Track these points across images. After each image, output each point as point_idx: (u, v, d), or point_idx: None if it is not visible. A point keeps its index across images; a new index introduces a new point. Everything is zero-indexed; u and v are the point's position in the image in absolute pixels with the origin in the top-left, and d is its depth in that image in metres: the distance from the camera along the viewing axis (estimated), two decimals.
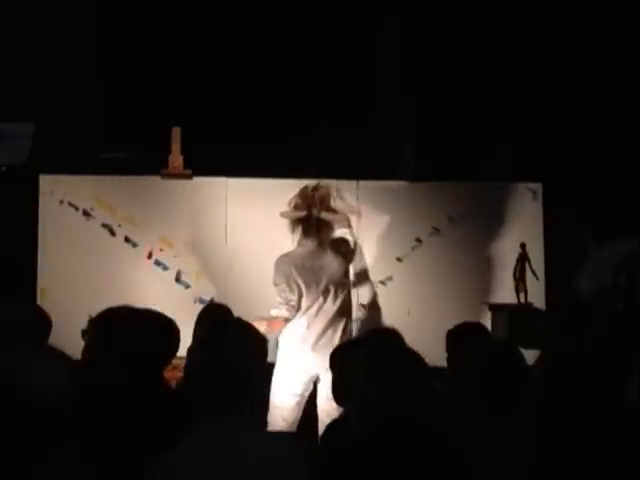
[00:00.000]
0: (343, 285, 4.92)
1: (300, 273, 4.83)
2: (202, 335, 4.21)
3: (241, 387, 2.40)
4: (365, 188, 5.81)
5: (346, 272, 5.00)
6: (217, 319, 4.35)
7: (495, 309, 5.51)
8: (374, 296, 5.59)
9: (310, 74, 5.96)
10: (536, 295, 5.61)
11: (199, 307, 5.13)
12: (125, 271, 5.64)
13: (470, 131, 6.00)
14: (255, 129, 5.92)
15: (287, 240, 5.06)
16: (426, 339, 5.48)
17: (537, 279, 5.60)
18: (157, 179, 5.69)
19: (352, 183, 5.80)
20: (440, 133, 5.97)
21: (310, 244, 4.90)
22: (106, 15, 5.99)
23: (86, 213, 5.67)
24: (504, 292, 5.58)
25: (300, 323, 4.81)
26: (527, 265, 5.49)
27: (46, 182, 5.66)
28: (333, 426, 3.18)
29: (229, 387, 2.38)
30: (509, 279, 5.52)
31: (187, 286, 5.67)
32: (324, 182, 5.05)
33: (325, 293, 4.84)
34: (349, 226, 5.19)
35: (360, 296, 5.72)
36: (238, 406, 2.38)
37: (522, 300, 5.47)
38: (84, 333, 3.31)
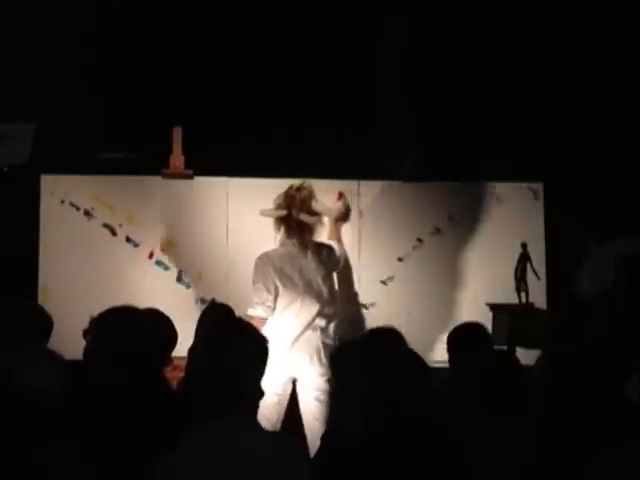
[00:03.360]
0: (322, 288, 4.94)
1: (278, 273, 4.88)
2: (203, 335, 4.23)
3: (241, 387, 2.40)
4: (365, 188, 5.82)
5: (328, 276, 5.02)
6: (218, 319, 4.35)
7: (496, 309, 5.51)
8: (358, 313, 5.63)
9: (310, 74, 5.96)
10: (537, 295, 5.60)
11: (200, 307, 5.13)
12: (126, 271, 5.64)
13: (470, 131, 5.99)
14: (256, 129, 5.92)
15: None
16: (427, 339, 5.53)
17: (538, 279, 5.59)
18: (158, 179, 5.69)
19: (352, 183, 5.80)
20: (440, 133, 5.97)
21: (291, 245, 4.95)
22: (107, 15, 5.99)
23: (87, 213, 5.67)
24: (505, 292, 5.57)
25: (278, 324, 4.84)
26: (528, 265, 5.48)
27: (47, 182, 5.66)
28: (333, 426, 3.19)
29: (229, 387, 2.39)
30: (510, 279, 5.51)
31: (188, 286, 5.67)
32: (308, 183, 5.08)
33: (303, 295, 4.87)
34: (339, 240, 5.24)
35: (361, 296, 5.74)
36: (238, 406, 2.38)
37: (523, 300, 5.46)
38: (85, 333, 3.32)
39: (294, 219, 4.94)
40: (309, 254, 4.95)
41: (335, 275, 5.18)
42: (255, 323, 4.74)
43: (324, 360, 4.81)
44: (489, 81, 6.04)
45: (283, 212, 4.96)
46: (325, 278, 4.98)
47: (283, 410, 4.82)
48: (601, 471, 2.43)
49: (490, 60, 6.03)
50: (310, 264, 4.94)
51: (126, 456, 2.60)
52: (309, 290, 4.89)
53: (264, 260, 4.95)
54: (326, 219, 5.18)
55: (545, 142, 5.97)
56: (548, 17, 5.99)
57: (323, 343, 4.86)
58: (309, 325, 4.86)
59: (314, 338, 4.85)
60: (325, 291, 4.95)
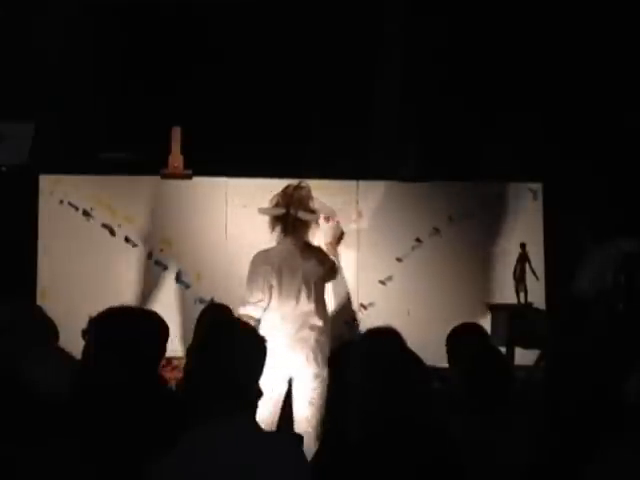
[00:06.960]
0: (318, 287, 4.95)
1: (276, 272, 4.87)
2: (202, 335, 4.22)
3: (240, 387, 2.40)
4: (365, 188, 5.82)
5: (322, 276, 5.03)
6: (217, 319, 4.35)
7: (495, 309, 5.51)
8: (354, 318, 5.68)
9: (310, 74, 5.97)
10: (536, 295, 5.60)
11: (199, 307, 5.13)
12: (125, 271, 5.64)
13: (469, 131, 6.00)
14: (255, 129, 5.92)
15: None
16: (426, 339, 5.51)
17: (537, 279, 5.59)
18: (157, 179, 5.70)
19: (352, 183, 5.80)
20: (440, 133, 5.97)
21: (288, 243, 4.95)
22: (107, 15, 5.99)
23: (86, 213, 5.67)
24: (504, 292, 5.57)
25: (273, 323, 4.82)
26: (527, 265, 5.48)
27: (46, 182, 5.66)
28: (333, 426, 3.18)
29: (228, 387, 2.39)
30: (509, 279, 5.51)
31: (187, 286, 5.67)
32: (306, 182, 5.09)
33: (299, 293, 4.86)
34: (334, 253, 5.35)
35: (360, 296, 5.74)
36: (237, 406, 2.38)
37: (522, 300, 5.47)
38: (84, 333, 3.32)
39: (292, 217, 4.94)
40: (306, 253, 4.96)
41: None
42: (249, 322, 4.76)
43: (320, 360, 4.80)
44: (489, 81, 6.05)
45: (282, 210, 4.96)
46: (320, 278, 4.99)
47: (278, 411, 4.80)
48: (605, 472, 2.43)
49: (490, 60, 6.04)
50: (307, 263, 4.94)
51: (125, 456, 2.60)
52: (306, 289, 4.89)
53: (261, 258, 4.94)
54: (321, 238, 5.22)
55: (544, 142, 5.97)
56: (548, 17, 6.00)
57: (318, 342, 4.85)
58: (304, 324, 4.86)
59: (310, 337, 4.84)
60: (320, 290, 4.96)
